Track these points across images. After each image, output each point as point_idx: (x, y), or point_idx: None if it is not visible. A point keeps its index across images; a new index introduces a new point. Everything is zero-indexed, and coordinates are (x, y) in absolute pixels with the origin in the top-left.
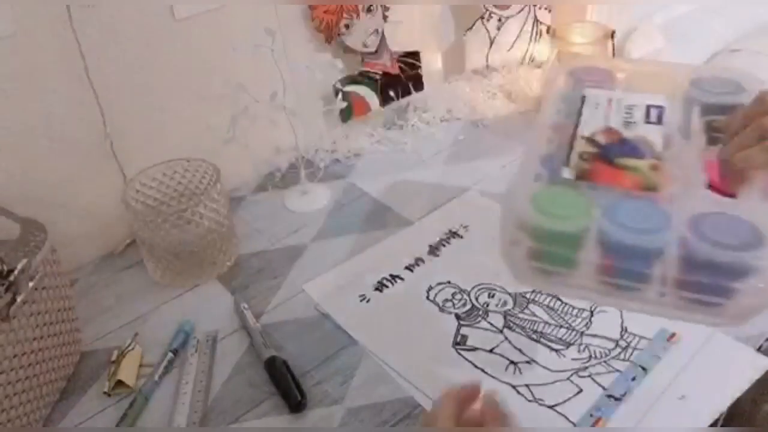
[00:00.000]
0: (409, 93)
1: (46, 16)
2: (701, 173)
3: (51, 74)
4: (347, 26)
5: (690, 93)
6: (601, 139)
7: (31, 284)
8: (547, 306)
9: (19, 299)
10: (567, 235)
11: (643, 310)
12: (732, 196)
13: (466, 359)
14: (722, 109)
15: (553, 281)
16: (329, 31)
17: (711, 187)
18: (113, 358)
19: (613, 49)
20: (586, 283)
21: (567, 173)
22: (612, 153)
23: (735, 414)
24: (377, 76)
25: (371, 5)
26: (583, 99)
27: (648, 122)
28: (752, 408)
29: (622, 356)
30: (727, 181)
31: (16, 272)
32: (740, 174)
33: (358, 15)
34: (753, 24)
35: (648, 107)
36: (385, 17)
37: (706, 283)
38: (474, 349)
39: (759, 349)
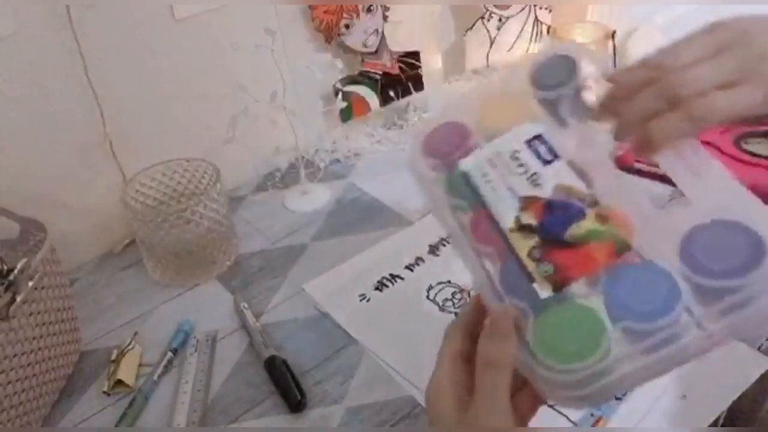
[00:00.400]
0: (409, 93)
1: (46, 16)
2: (636, 186)
3: (51, 74)
4: (347, 26)
5: (539, 95)
6: (530, 219)
7: (30, 284)
8: None
9: (18, 299)
10: (600, 368)
11: (692, 358)
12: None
13: None
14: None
15: (588, 401)
16: (329, 31)
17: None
18: (113, 357)
19: (614, 50)
20: (621, 382)
21: (540, 289)
22: (553, 230)
23: (735, 414)
24: (377, 76)
25: (371, 5)
26: (466, 177)
27: (546, 162)
28: (752, 408)
29: None
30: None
31: (15, 272)
32: (650, 141)
33: (358, 15)
34: None
35: (529, 143)
36: (385, 17)
37: (738, 301)
38: None
39: (759, 349)
